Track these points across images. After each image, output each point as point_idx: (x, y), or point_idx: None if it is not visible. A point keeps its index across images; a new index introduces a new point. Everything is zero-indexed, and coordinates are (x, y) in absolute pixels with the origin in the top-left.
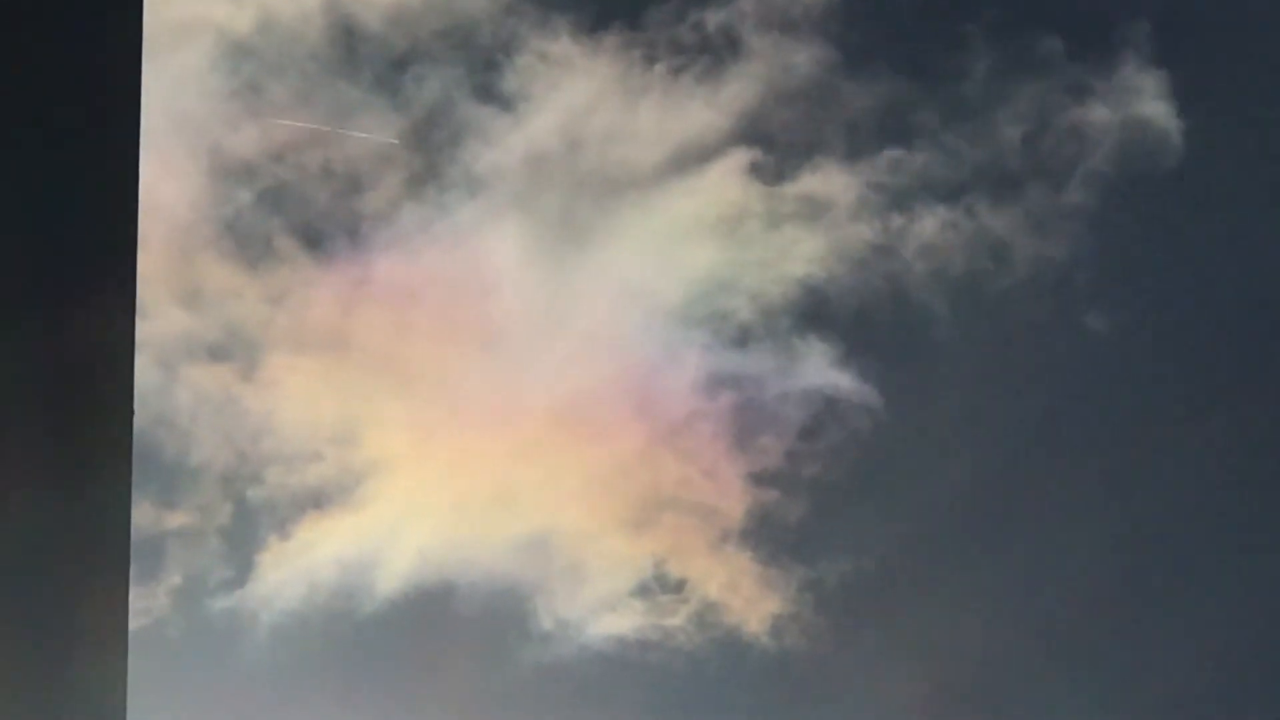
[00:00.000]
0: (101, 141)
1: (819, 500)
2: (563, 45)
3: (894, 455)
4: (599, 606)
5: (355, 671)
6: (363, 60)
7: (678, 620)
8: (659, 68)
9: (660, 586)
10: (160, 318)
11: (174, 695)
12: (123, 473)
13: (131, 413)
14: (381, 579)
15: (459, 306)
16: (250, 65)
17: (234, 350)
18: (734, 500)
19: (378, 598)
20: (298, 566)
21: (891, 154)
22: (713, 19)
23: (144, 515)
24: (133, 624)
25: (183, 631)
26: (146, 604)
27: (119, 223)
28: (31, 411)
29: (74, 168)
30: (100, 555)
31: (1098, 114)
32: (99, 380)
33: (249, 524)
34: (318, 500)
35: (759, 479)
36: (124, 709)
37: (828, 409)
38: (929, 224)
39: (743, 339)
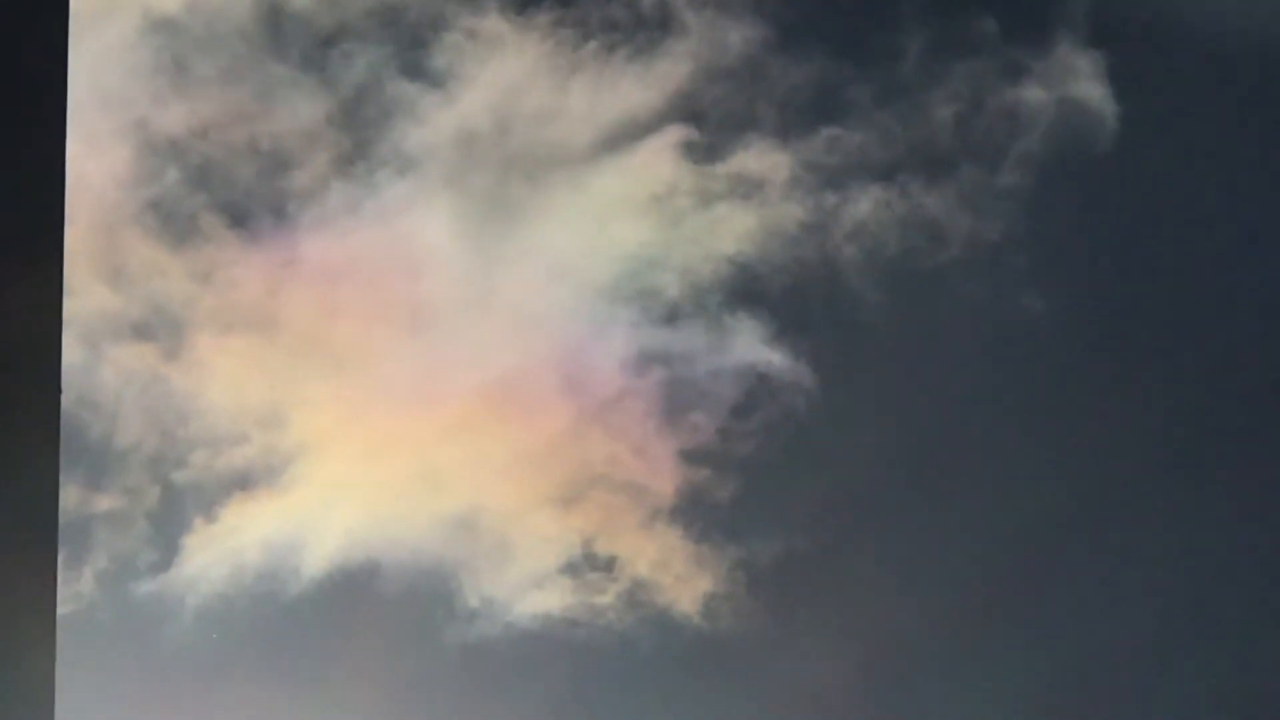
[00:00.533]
0: (28, 122)
1: (751, 478)
2: (493, 22)
3: (826, 434)
4: (526, 584)
5: (281, 653)
6: (290, 38)
7: (607, 598)
8: (591, 45)
9: (589, 564)
10: (84, 295)
11: (100, 679)
12: (50, 455)
13: (59, 393)
14: (308, 560)
15: (387, 286)
16: (176, 42)
17: (159, 329)
18: (664, 478)
19: (304, 579)
20: (224, 549)
21: (825, 133)
22: None
23: (70, 498)
24: (59, 608)
25: (109, 615)
26: (73, 588)
27: (46, 204)
28: None
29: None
30: (28, 538)
31: (1032, 94)
32: (26, 361)
33: (175, 507)
34: (244, 482)
35: (690, 456)
36: (52, 691)
37: (760, 386)
38: (862, 203)
39: (673, 316)
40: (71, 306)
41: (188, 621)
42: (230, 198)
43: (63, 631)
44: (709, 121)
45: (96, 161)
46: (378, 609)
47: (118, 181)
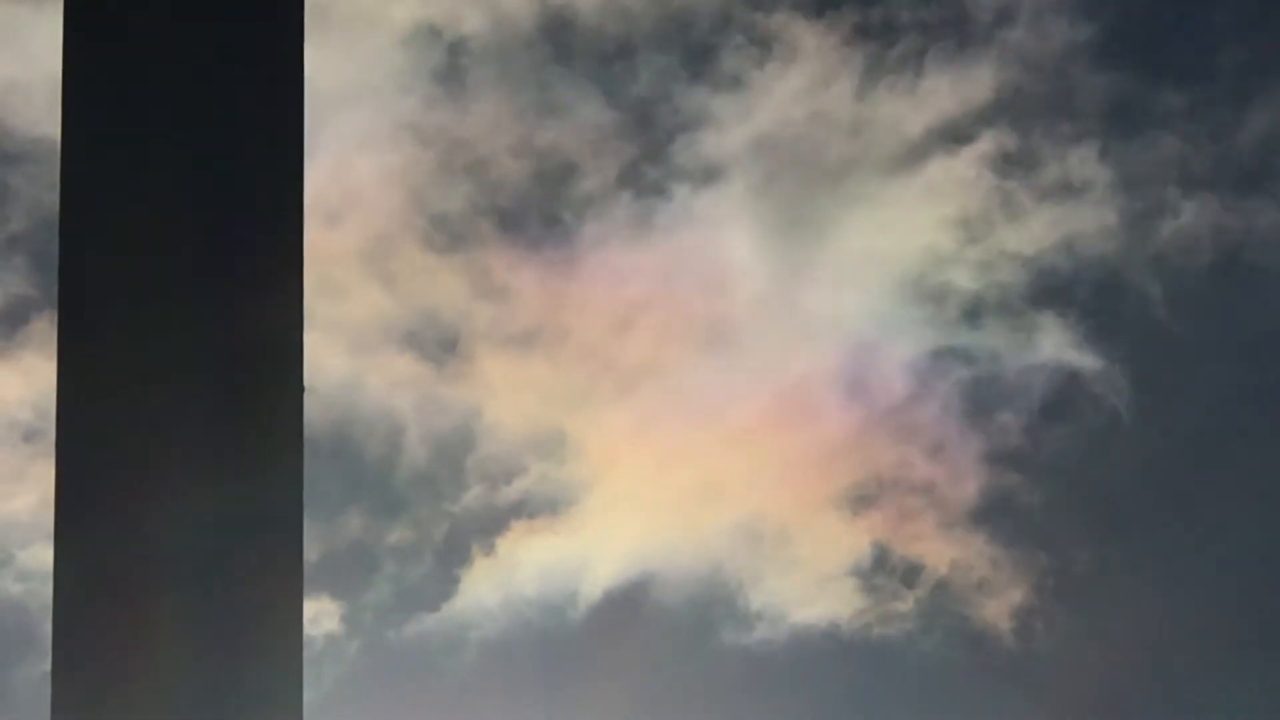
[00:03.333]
0: (266, 121)
1: (1063, 482)
2: (789, 25)
3: (1140, 438)
4: (813, 589)
5: (562, 678)
6: (575, 48)
7: (905, 605)
8: (898, 48)
9: (881, 569)
10: (354, 301)
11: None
12: (295, 458)
13: (302, 394)
14: (588, 583)
15: (678, 299)
16: (457, 47)
17: (433, 342)
18: (966, 481)
19: (583, 604)
20: (503, 580)
21: (1140, 139)
22: None
23: (353, 528)
24: (338, 641)
25: (388, 650)
26: (356, 624)
27: (287, 209)
28: (198, 404)
29: (239, 148)
30: (274, 550)
31: None
32: (269, 365)
33: (454, 537)
34: (524, 510)
35: (995, 458)
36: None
37: (1072, 386)
38: (1180, 211)
39: (974, 316)
40: (339, 312)
41: (470, 655)
42: (511, 206)
43: (341, 667)
44: (1020, 127)
45: (370, 164)
46: (656, 622)
47: (391, 184)
